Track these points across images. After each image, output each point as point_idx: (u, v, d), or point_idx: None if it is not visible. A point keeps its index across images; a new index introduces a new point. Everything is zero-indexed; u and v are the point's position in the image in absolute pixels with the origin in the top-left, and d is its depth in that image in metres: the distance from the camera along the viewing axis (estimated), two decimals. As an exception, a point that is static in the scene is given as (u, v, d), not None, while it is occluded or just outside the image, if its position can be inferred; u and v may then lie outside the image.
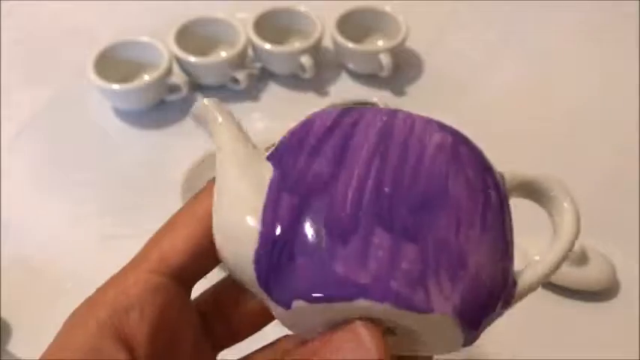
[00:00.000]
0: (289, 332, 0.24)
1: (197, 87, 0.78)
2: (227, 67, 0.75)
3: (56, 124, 0.75)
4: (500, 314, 0.22)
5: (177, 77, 0.75)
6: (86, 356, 0.21)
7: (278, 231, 0.21)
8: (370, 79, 0.79)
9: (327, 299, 0.20)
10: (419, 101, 0.77)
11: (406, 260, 0.20)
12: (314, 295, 0.20)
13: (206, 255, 0.24)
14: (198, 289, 0.26)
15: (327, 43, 0.79)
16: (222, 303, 0.26)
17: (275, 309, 0.22)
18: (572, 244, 0.23)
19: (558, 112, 0.76)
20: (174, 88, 0.75)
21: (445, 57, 0.82)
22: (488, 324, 0.22)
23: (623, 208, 0.67)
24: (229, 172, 0.23)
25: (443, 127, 0.23)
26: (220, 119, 0.24)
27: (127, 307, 0.22)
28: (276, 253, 0.21)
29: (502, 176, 0.24)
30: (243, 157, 0.23)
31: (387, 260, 0.20)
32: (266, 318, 0.26)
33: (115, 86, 0.71)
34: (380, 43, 0.80)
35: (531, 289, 0.23)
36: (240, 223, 0.22)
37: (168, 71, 0.73)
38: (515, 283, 0.23)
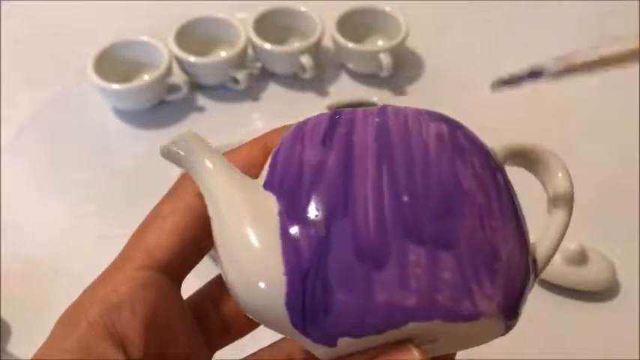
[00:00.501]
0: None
1: (197, 87, 0.78)
2: (227, 67, 0.75)
3: (56, 124, 0.75)
4: (528, 293, 0.22)
5: (177, 77, 0.75)
6: (78, 355, 0.20)
7: (305, 269, 0.19)
8: (370, 79, 0.79)
9: (376, 331, 0.19)
10: (419, 101, 0.76)
11: (446, 270, 0.19)
12: (361, 329, 0.19)
13: (192, 247, 0.23)
14: (192, 288, 0.26)
15: (327, 43, 0.79)
16: (217, 301, 0.26)
17: (316, 349, 0.20)
18: (572, 206, 0.23)
19: (558, 111, 0.76)
20: (174, 88, 0.75)
21: (445, 57, 0.82)
22: (523, 306, 0.22)
23: (622, 209, 0.67)
24: (231, 218, 0.20)
25: (433, 116, 0.23)
26: (200, 155, 0.21)
27: (118, 304, 0.21)
28: (309, 293, 0.19)
29: (494, 152, 0.23)
30: (240, 195, 0.21)
31: (427, 276, 0.19)
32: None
33: (115, 86, 0.71)
34: (380, 43, 0.80)
35: (549, 259, 0.23)
36: (261, 272, 0.20)
37: (168, 71, 0.73)
38: (535, 260, 0.22)
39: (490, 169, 0.22)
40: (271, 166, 0.22)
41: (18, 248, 0.63)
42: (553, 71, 0.21)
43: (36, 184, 0.70)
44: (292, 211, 0.20)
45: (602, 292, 0.60)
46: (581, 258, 0.58)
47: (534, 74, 0.21)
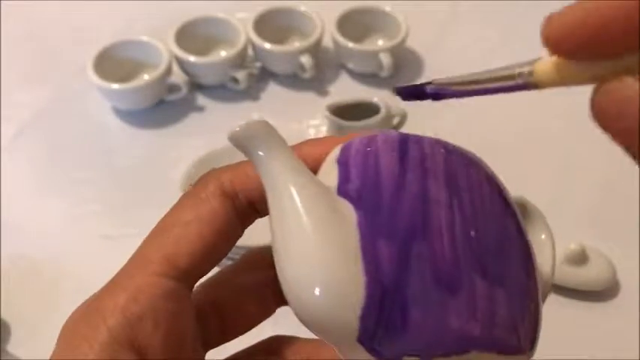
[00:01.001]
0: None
1: (197, 87, 0.78)
2: (227, 66, 0.75)
3: (56, 124, 0.75)
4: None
5: (177, 77, 0.75)
6: None
7: (387, 284, 0.19)
8: (370, 79, 0.79)
9: (443, 353, 0.20)
10: (419, 101, 0.76)
11: (502, 306, 0.21)
12: (430, 351, 0.20)
13: (212, 256, 0.23)
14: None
15: (327, 43, 0.79)
16: (216, 302, 0.25)
17: None
18: (552, 275, 0.25)
19: (558, 111, 0.76)
20: (174, 88, 0.75)
21: (445, 57, 0.82)
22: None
23: (622, 209, 0.67)
24: (307, 217, 0.19)
25: (475, 158, 0.24)
26: (274, 148, 0.20)
27: (140, 315, 0.21)
28: (387, 309, 0.19)
29: None
30: (317, 197, 0.20)
31: (489, 309, 0.20)
32: (258, 319, 0.26)
33: (115, 86, 0.71)
34: (380, 43, 0.80)
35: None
36: (340, 276, 0.19)
37: (168, 71, 0.73)
38: None
39: (515, 215, 0.23)
40: (343, 175, 0.21)
41: (18, 248, 0.63)
42: (442, 85, 0.22)
43: (36, 183, 0.70)
44: (374, 224, 0.20)
45: (602, 292, 0.60)
46: (581, 258, 0.58)
47: (429, 91, 0.23)
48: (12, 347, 0.57)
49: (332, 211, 0.20)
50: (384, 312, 0.19)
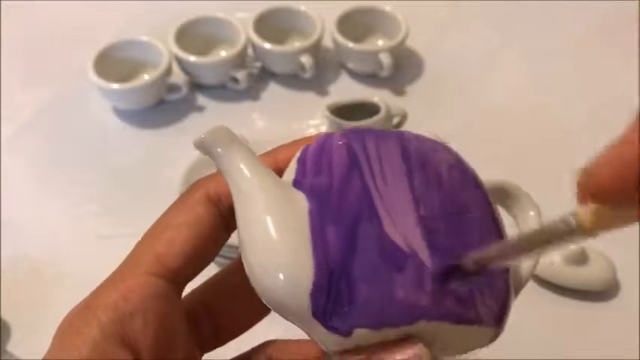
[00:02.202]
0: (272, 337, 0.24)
1: (197, 87, 0.78)
2: (227, 66, 0.75)
3: (56, 124, 0.75)
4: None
5: (177, 77, 0.75)
6: (92, 357, 0.21)
7: (333, 264, 0.21)
8: (370, 78, 0.79)
9: (391, 325, 0.21)
10: (419, 101, 0.77)
11: (455, 279, 0.22)
12: (379, 322, 0.21)
13: (201, 258, 0.24)
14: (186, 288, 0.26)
15: (327, 42, 0.79)
16: (209, 305, 0.26)
17: (327, 338, 0.21)
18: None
19: (558, 111, 0.76)
20: (174, 88, 0.75)
21: (445, 57, 0.82)
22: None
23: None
24: (263, 208, 0.21)
25: (441, 146, 0.25)
26: (234, 149, 0.22)
27: (131, 312, 0.22)
28: (335, 286, 0.21)
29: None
30: (273, 190, 0.22)
31: (439, 282, 0.21)
32: (251, 321, 0.27)
33: (115, 86, 0.71)
34: (380, 42, 0.80)
35: (523, 285, 0.25)
36: (291, 260, 0.21)
37: (168, 71, 0.73)
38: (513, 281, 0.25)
39: (484, 196, 0.25)
40: (299, 169, 0.23)
41: (18, 248, 0.63)
42: (484, 261, 0.22)
43: (36, 183, 0.70)
44: (322, 212, 0.22)
45: (602, 292, 0.60)
46: (581, 258, 0.58)
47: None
48: (12, 347, 0.57)
49: (286, 202, 0.22)
50: (331, 289, 0.21)
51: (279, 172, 0.24)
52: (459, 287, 0.22)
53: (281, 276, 0.21)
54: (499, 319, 0.23)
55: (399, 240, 0.22)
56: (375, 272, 0.21)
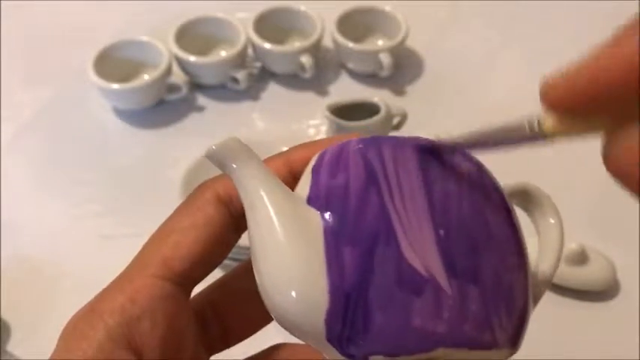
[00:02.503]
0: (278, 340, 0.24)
1: (197, 87, 0.78)
2: (227, 66, 0.75)
3: (56, 124, 0.75)
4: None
5: (177, 77, 0.75)
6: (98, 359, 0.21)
7: (349, 288, 0.20)
8: (370, 78, 0.79)
9: (408, 352, 0.20)
10: (419, 101, 0.77)
11: (473, 303, 0.21)
12: (395, 350, 0.20)
13: (208, 261, 0.24)
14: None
15: (327, 42, 0.79)
16: (218, 306, 0.26)
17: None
18: (561, 253, 0.25)
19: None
20: (174, 88, 0.75)
21: (445, 57, 0.82)
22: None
23: (622, 209, 0.66)
24: (277, 226, 0.21)
25: (462, 155, 0.24)
26: (247, 164, 0.22)
27: (138, 315, 0.22)
28: (350, 312, 0.20)
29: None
30: (287, 208, 0.21)
31: (457, 307, 0.21)
32: (260, 323, 0.26)
33: (115, 86, 0.71)
34: (380, 42, 0.80)
35: (540, 297, 0.25)
36: (304, 286, 0.20)
37: (168, 71, 0.73)
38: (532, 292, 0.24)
39: (506, 210, 0.24)
40: (314, 183, 0.22)
41: (18, 248, 0.63)
42: (453, 143, 0.22)
43: (36, 183, 0.70)
44: (338, 231, 0.21)
45: (602, 292, 0.60)
46: (581, 258, 0.58)
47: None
48: (12, 347, 0.57)
49: (299, 220, 0.21)
50: (347, 315, 0.20)
51: (292, 174, 0.24)
52: (478, 310, 0.21)
53: (294, 297, 0.20)
54: (515, 341, 0.23)
55: (417, 264, 0.21)
56: (391, 298, 0.20)
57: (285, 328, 0.21)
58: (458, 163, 0.23)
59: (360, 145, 0.22)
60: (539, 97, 0.19)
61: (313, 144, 0.24)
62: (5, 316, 0.58)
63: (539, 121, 0.19)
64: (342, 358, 0.21)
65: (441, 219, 0.22)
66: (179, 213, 0.24)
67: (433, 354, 0.21)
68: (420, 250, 0.21)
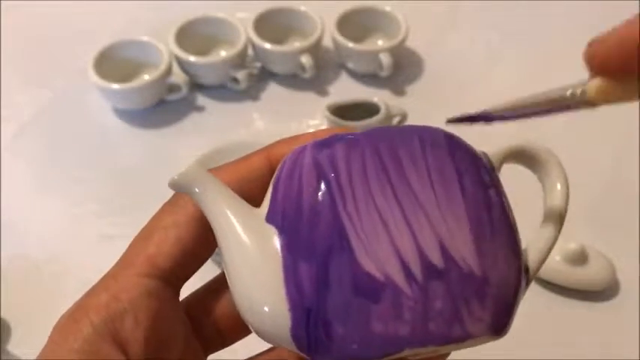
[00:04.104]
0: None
1: (197, 87, 0.78)
2: (227, 66, 0.75)
3: (56, 124, 0.75)
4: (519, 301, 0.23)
5: (177, 77, 0.75)
6: (85, 356, 0.21)
7: (307, 304, 0.21)
8: (370, 79, 0.79)
9: (373, 358, 0.21)
10: (419, 101, 0.77)
11: (437, 299, 0.21)
12: (361, 358, 0.21)
13: (192, 258, 0.24)
14: (187, 290, 0.26)
15: (327, 43, 0.79)
16: (210, 306, 0.26)
17: None
18: (563, 219, 0.24)
19: (558, 112, 0.76)
20: (174, 88, 0.75)
21: (445, 57, 0.82)
22: (514, 317, 0.23)
23: (622, 209, 0.67)
24: (238, 249, 0.22)
25: (429, 132, 0.23)
26: (208, 189, 0.22)
27: (122, 312, 0.22)
28: (312, 326, 0.21)
29: (488, 158, 0.24)
30: (246, 228, 0.22)
31: (420, 306, 0.20)
32: None
33: (115, 86, 0.71)
34: (380, 42, 0.80)
35: (538, 269, 0.23)
36: (266, 301, 0.21)
37: (168, 71, 0.73)
38: (527, 270, 0.23)
39: (482, 187, 0.22)
40: (272, 199, 0.23)
41: (18, 248, 0.63)
42: (499, 113, 0.23)
43: (36, 183, 0.70)
44: (293, 248, 0.21)
45: (602, 292, 0.60)
46: (581, 258, 0.58)
47: (483, 117, 0.24)
48: (12, 347, 0.57)
49: (259, 240, 0.22)
50: (310, 329, 0.21)
51: (272, 169, 0.24)
52: (443, 306, 0.20)
53: (260, 315, 0.21)
54: (497, 328, 0.22)
55: (372, 269, 0.20)
56: (349, 308, 0.20)
57: (269, 343, 0.23)
58: (422, 150, 0.22)
59: (313, 151, 0.22)
60: (585, 60, 0.19)
61: (294, 139, 0.25)
62: (5, 316, 0.58)
63: (583, 89, 0.19)
64: None
65: (399, 217, 0.21)
66: (162, 212, 0.25)
67: (399, 355, 0.21)
68: (376, 254, 0.21)
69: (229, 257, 0.22)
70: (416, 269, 0.21)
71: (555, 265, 0.58)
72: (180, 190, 0.23)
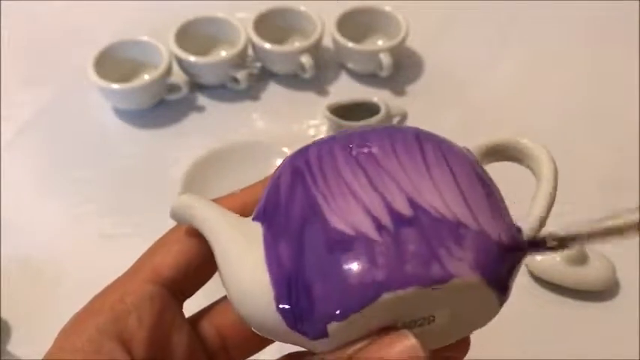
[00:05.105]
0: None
1: (197, 87, 0.78)
2: (227, 66, 0.75)
3: (56, 124, 0.75)
4: (518, 263, 0.23)
5: (177, 77, 0.75)
6: (89, 354, 0.22)
7: (287, 273, 0.22)
8: (370, 78, 0.79)
9: (354, 309, 0.20)
10: (419, 101, 0.77)
11: (410, 243, 0.21)
12: (342, 312, 0.21)
13: (195, 270, 0.25)
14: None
15: (327, 43, 0.79)
16: (214, 318, 0.27)
17: (315, 346, 0.22)
18: (556, 176, 0.25)
19: (558, 111, 0.76)
20: (174, 88, 0.75)
21: (445, 56, 0.82)
22: (511, 276, 0.23)
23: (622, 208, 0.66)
24: (229, 248, 0.23)
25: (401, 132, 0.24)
26: (201, 212, 0.25)
27: (125, 312, 0.23)
28: (294, 293, 0.21)
29: (467, 149, 0.25)
30: (234, 230, 0.24)
31: (393, 251, 0.20)
32: (262, 343, 0.27)
33: (115, 86, 0.71)
34: (380, 42, 0.80)
35: (536, 230, 0.23)
36: (251, 281, 0.22)
37: (168, 71, 0.73)
38: (519, 229, 0.23)
39: (451, 153, 0.24)
40: (259, 202, 0.24)
41: (18, 248, 0.63)
42: (557, 242, 0.23)
43: (36, 183, 0.70)
44: (272, 231, 0.23)
45: (602, 292, 0.60)
46: (581, 258, 0.58)
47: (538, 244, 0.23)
48: (12, 347, 0.57)
49: (246, 237, 0.23)
50: (292, 299, 0.21)
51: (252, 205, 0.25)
52: (417, 248, 0.20)
53: (251, 299, 0.22)
54: (483, 271, 0.21)
55: (342, 226, 0.21)
56: (325, 266, 0.21)
57: (260, 333, 0.23)
58: (391, 140, 0.23)
59: (289, 157, 0.24)
60: None
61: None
62: (5, 316, 0.58)
63: None
64: (309, 341, 0.22)
65: (365, 182, 0.22)
66: (166, 233, 0.26)
67: (383, 302, 0.20)
68: (346, 214, 0.21)
69: (221, 255, 0.23)
70: (385, 220, 0.21)
71: (555, 265, 0.58)
72: (180, 219, 0.25)
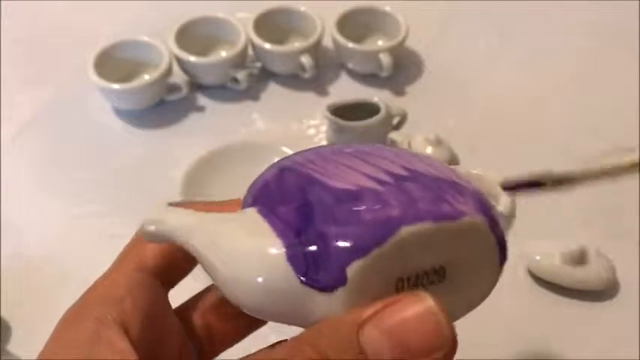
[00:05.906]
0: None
1: (197, 87, 0.78)
2: (227, 66, 0.75)
3: (56, 124, 0.75)
4: (505, 228, 0.23)
5: (177, 77, 0.75)
6: (88, 344, 0.22)
7: (295, 224, 0.21)
8: (370, 79, 0.79)
9: (375, 244, 0.20)
10: (419, 101, 0.77)
11: (416, 191, 0.21)
12: (364, 248, 0.20)
13: (182, 258, 0.25)
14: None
15: (327, 43, 0.79)
16: (204, 314, 0.27)
17: (328, 304, 0.20)
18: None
19: (558, 111, 0.76)
20: (174, 88, 0.75)
21: (445, 57, 0.82)
22: (504, 230, 0.23)
23: (622, 209, 0.67)
24: (219, 229, 0.22)
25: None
26: (174, 215, 0.24)
27: (120, 297, 0.23)
28: (305, 242, 0.21)
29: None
30: (224, 222, 0.23)
31: (402, 195, 0.21)
32: (248, 330, 0.28)
33: (115, 86, 0.71)
34: (380, 42, 0.80)
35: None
36: (258, 247, 0.21)
37: (168, 71, 0.73)
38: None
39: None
40: (242, 200, 0.24)
41: (18, 248, 0.63)
42: (553, 181, 0.22)
43: (36, 183, 0.70)
44: (268, 202, 0.23)
45: (602, 292, 0.60)
46: (581, 258, 0.58)
47: (534, 184, 0.24)
48: (12, 347, 0.57)
49: (237, 217, 0.23)
50: (303, 246, 0.20)
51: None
52: (424, 193, 0.21)
53: (248, 266, 0.21)
54: (485, 214, 0.22)
55: (344, 184, 0.21)
56: (336, 215, 0.21)
57: (268, 314, 0.22)
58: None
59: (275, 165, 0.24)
60: None
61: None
62: (5, 316, 0.58)
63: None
64: (328, 297, 0.20)
65: (358, 161, 0.23)
66: None
67: (400, 239, 0.20)
68: (345, 178, 0.22)
69: (209, 242, 0.22)
70: (386, 178, 0.22)
71: (555, 265, 0.58)
72: (157, 236, 0.23)
